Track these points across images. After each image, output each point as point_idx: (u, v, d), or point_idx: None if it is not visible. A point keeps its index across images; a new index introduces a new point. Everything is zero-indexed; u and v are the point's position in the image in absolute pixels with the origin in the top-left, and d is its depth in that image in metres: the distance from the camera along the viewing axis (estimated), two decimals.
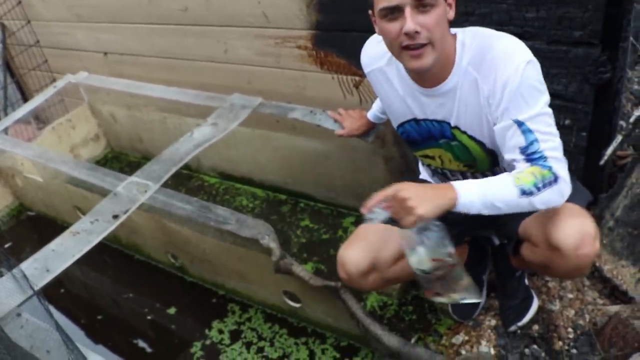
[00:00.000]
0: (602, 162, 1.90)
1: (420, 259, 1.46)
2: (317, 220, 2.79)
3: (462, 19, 1.90)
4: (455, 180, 1.74)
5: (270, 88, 2.72)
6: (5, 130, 3.13)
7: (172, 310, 2.50)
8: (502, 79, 1.37)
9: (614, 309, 1.83)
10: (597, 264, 1.94)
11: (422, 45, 1.35)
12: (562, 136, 1.73)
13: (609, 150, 1.89)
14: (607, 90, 1.79)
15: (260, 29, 2.56)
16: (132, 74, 3.33)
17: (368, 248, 1.68)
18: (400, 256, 1.72)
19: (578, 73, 1.78)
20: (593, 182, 1.98)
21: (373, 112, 2.06)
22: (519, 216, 1.53)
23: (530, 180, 1.34)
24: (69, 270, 1.81)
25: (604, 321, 1.78)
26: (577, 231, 1.42)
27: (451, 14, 1.40)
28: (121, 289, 2.73)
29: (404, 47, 1.37)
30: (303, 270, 1.87)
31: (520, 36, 1.82)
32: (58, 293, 2.79)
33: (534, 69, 1.37)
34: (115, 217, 1.98)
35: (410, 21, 1.31)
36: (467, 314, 1.97)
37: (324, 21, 2.32)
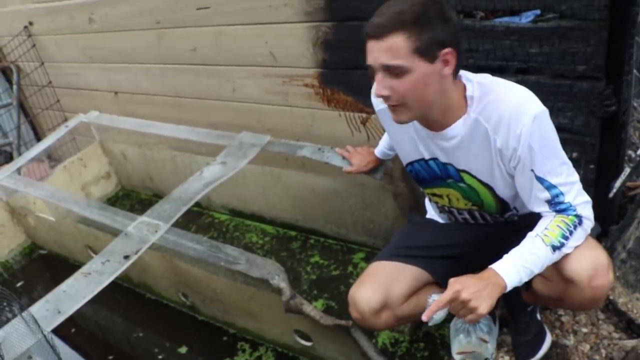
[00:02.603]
0: (611, 195, 1.90)
1: (461, 346, 1.52)
2: (328, 257, 2.78)
3: (467, 56, 1.93)
4: (462, 218, 1.76)
5: (279, 126, 2.75)
6: (19, 170, 3.18)
7: (183, 350, 2.49)
8: (515, 132, 1.38)
9: (630, 343, 1.80)
10: (611, 297, 1.91)
11: (395, 105, 1.39)
12: None
13: (618, 182, 1.89)
14: (613, 123, 1.80)
15: (268, 68, 2.60)
16: (143, 112, 3.39)
17: (379, 286, 1.67)
18: (412, 293, 1.72)
19: (583, 106, 1.79)
20: (603, 214, 1.97)
21: (380, 149, 2.07)
22: None
23: (558, 233, 1.40)
24: (81, 309, 1.82)
25: (621, 356, 1.75)
26: (590, 262, 1.42)
27: (446, 70, 1.37)
28: (132, 328, 2.72)
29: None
30: (314, 310, 1.86)
31: (524, 71, 1.85)
32: (69, 332, 2.78)
33: (545, 119, 1.38)
34: (126, 257, 1.99)
35: (378, 85, 1.36)
36: None
37: (330, 60, 2.36)
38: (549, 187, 1.41)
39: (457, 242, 1.77)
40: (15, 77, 4.13)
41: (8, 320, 1.77)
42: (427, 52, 1.32)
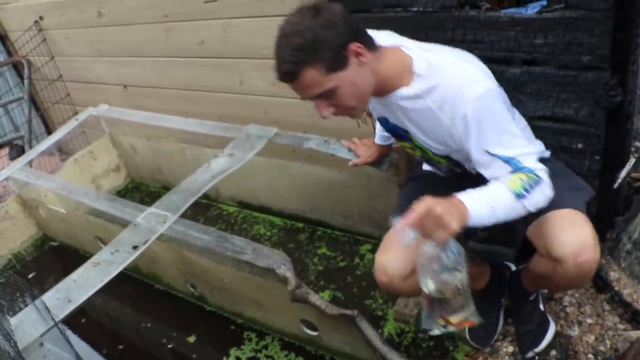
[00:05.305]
0: (615, 185, 1.89)
1: (433, 278, 1.45)
2: (334, 248, 2.80)
3: (472, 47, 1.93)
4: (444, 170, 1.79)
5: (285, 118, 2.76)
6: (30, 163, 3.22)
7: (191, 339, 2.52)
8: (459, 113, 1.39)
9: (636, 334, 1.80)
10: (617, 289, 1.91)
11: (344, 114, 1.48)
12: (575, 160, 1.72)
13: (623, 173, 1.88)
14: (618, 114, 1.80)
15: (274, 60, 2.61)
16: (151, 105, 3.42)
17: (407, 252, 1.63)
18: None
19: (588, 97, 1.79)
20: (609, 205, 1.98)
21: (378, 135, 2.10)
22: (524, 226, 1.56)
23: (520, 183, 1.39)
24: (91, 300, 1.84)
25: (626, 347, 1.75)
26: (575, 239, 1.44)
27: (362, 59, 1.41)
28: (141, 318, 2.76)
29: None
30: (319, 299, 1.88)
31: (529, 62, 1.85)
32: (80, 322, 2.82)
33: (490, 97, 1.38)
34: (135, 247, 2.01)
35: (322, 110, 1.45)
36: (485, 340, 1.95)
37: None
38: (507, 160, 1.41)
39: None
40: (26, 71, 4.18)
41: (21, 309, 1.81)
42: (337, 64, 1.37)
